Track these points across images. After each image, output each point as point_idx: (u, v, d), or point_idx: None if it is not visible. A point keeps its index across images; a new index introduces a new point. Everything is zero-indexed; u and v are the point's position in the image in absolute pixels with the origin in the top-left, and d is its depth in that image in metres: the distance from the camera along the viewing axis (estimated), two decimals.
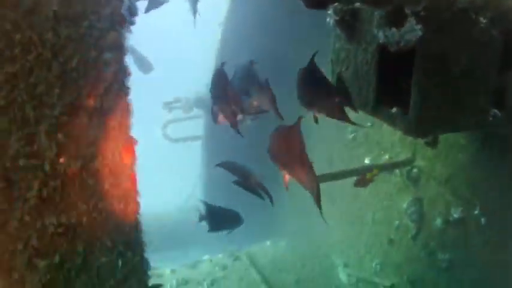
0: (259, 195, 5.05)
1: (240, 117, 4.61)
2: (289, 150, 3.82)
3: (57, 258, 2.19)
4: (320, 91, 4.24)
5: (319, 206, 3.74)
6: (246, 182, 5.05)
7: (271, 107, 4.44)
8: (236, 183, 5.12)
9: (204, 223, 6.40)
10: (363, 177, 6.09)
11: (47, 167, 2.08)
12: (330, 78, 5.00)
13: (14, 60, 1.93)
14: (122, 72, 2.40)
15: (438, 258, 6.26)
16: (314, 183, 3.68)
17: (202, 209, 6.38)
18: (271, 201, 4.98)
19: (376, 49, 4.41)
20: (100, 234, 2.38)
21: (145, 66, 11.34)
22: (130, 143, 2.46)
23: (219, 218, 6.33)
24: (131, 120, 2.46)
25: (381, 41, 4.15)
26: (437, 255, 6.28)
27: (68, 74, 2.11)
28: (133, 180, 2.51)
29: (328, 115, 4.26)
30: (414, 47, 3.95)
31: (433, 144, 5.65)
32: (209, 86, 4.78)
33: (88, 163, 2.25)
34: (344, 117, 4.17)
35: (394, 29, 3.94)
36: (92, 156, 2.26)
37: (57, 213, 2.15)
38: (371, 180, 6.10)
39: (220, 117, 4.80)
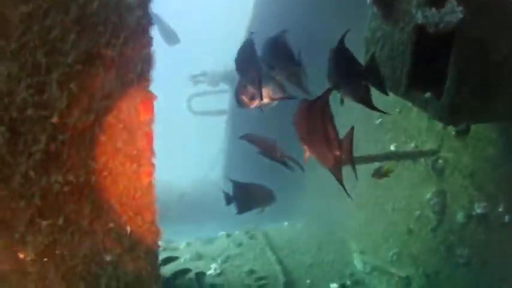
0: (286, 165, 4.90)
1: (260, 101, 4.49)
2: (313, 124, 3.61)
3: (61, 220, 2.05)
4: (348, 73, 4.08)
5: (341, 183, 3.59)
6: (271, 153, 4.90)
7: (298, 83, 4.30)
8: (261, 153, 4.98)
9: (224, 202, 6.09)
10: (380, 170, 6.03)
11: (56, 119, 1.92)
12: (363, 58, 4.87)
13: (29, 0, 1.78)
14: (146, 20, 2.21)
15: (457, 253, 6.14)
16: (339, 159, 3.54)
17: (228, 190, 6.03)
18: (301, 167, 4.82)
19: (413, 29, 4.23)
20: (109, 196, 2.22)
21: (171, 38, 11.37)
22: (150, 98, 2.28)
23: (248, 197, 5.97)
24: (152, 73, 2.28)
25: (419, 22, 3.97)
26: (456, 250, 6.15)
27: (86, 19, 1.94)
28: (149, 139, 2.33)
29: (354, 99, 4.12)
30: (454, 30, 3.77)
31: (464, 133, 5.48)
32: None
33: (101, 117, 2.08)
34: (368, 103, 4.02)
35: (434, 9, 3.76)
36: (106, 110, 2.09)
37: (64, 170, 2.00)
38: (387, 175, 6.01)
39: (245, 101, 4.66)
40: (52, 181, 1.97)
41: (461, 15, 3.66)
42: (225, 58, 11.75)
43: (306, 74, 4.36)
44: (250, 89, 4.48)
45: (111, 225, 2.25)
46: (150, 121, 2.32)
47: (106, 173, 2.16)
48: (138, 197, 2.35)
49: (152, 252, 2.59)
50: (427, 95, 4.25)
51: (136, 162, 2.30)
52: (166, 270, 7.17)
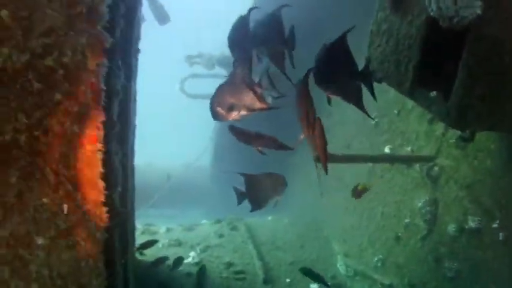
0: (281, 147, 4.54)
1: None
2: (299, 107, 3.53)
3: None
4: (342, 71, 3.80)
5: (325, 168, 3.53)
6: (259, 141, 4.56)
7: (279, 64, 4.00)
8: (244, 141, 4.61)
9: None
10: (357, 188, 6.09)
11: None
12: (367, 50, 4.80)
13: None
14: None
15: (445, 265, 5.93)
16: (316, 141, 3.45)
17: (236, 184, 5.57)
18: (290, 148, 4.47)
19: (424, 22, 3.94)
20: (42, 163, 1.80)
21: (161, 16, 11.49)
22: (100, 40, 1.86)
23: (262, 190, 5.45)
24: (104, 11, 1.87)
25: (431, 14, 3.66)
26: (445, 262, 5.95)
27: None
28: (96, 94, 1.90)
29: (344, 98, 3.84)
30: (469, 26, 3.46)
31: (467, 140, 5.21)
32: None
33: (37, 59, 1.66)
34: (359, 104, 3.76)
35: (450, 1, 3.45)
36: (44, 50, 1.68)
37: None
38: (365, 191, 6.08)
39: (220, 112, 4.22)
40: None
41: (479, 11, 3.35)
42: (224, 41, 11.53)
43: (292, 55, 4.02)
44: (229, 99, 4.07)
45: (44, 200, 1.85)
46: (98, 69, 1.89)
47: (39, 133, 1.74)
48: (79, 167, 1.92)
49: (95, 240, 2.15)
50: (433, 94, 3.98)
51: (78, 122, 1.86)
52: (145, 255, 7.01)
